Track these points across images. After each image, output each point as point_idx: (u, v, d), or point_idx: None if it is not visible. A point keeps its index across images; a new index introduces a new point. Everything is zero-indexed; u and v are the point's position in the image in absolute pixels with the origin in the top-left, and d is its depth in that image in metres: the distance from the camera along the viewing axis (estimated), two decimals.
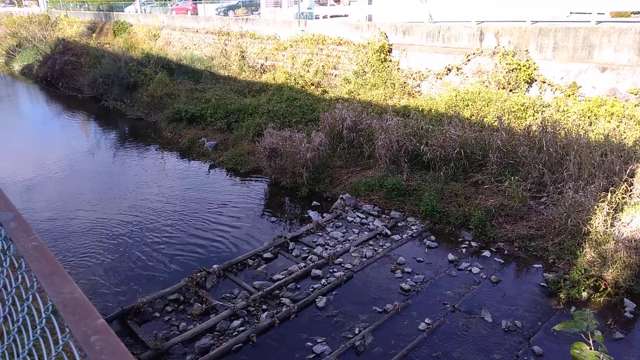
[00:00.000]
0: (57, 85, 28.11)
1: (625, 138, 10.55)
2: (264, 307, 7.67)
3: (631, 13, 18.26)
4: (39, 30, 36.28)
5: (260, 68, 21.44)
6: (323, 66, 18.89)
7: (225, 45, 23.93)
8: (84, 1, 44.22)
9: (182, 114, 17.60)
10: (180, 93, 20.01)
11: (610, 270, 7.69)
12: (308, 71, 19.06)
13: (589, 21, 13.56)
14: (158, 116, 19.43)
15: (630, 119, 11.05)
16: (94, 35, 32.96)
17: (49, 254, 1.29)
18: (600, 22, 13.72)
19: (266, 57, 21.67)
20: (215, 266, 8.61)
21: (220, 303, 7.72)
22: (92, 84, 24.04)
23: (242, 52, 22.48)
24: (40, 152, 17.11)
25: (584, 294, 7.51)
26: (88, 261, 9.33)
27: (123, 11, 36.17)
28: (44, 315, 1.29)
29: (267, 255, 9.19)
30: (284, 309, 7.52)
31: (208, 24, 26.19)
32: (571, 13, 17.66)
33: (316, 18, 21.66)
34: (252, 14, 29.02)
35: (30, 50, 34.42)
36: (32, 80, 31.05)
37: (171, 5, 34.91)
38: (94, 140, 18.60)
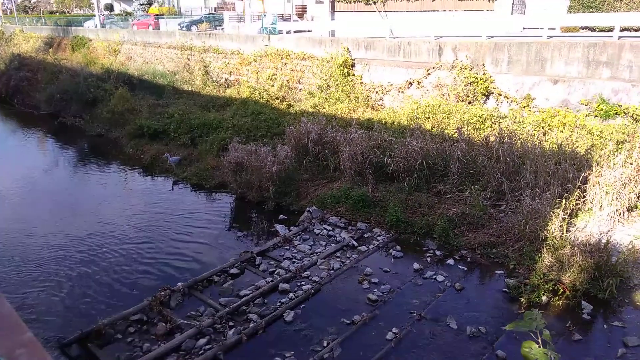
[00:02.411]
0: (12, 102, 27.14)
1: (577, 147, 11.05)
2: (231, 323, 7.54)
3: (579, 28, 19.26)
4: None
5: (225, 82, 21.35)
6: (287, 80, 19.00)
7: (188, 60, 23.74)
8: (40, 16, 43.03)
9: (145, 130, 17.27)
10: (142, 108, 19.66)
11: (567, 274, 7.97)
12: (273, 85, 19.12)
13: (541, 36, 14.21)
14: (119, 132, 18.98)
15: (582, 128, 11.60)
16: (51, 50, 32.03)
17: None
18: (551, 37, 14.41)
19: (230, 72, 21.61)
20: (179, 284, 8.42)
21: (186, 322, 7.53)
22: (50, 100, 23.33)
23: (205, 66, 22.35)
24: None
25: (544, 298, 7.74)
26: (45, 283, 8.93)
27: (82, 26, 35.37)
28: None
29: (233, 271, 9.06)
30: (251, 325, 7.41)
31: (170, 39, 25.94)
32: (524, 28, 18.50)
33: (280, 33, 21.81)
34: (216, 29, 28.94)
35: None
36: None
37: (132, 20, 34.39)
38: (51, 158, 17.97)
